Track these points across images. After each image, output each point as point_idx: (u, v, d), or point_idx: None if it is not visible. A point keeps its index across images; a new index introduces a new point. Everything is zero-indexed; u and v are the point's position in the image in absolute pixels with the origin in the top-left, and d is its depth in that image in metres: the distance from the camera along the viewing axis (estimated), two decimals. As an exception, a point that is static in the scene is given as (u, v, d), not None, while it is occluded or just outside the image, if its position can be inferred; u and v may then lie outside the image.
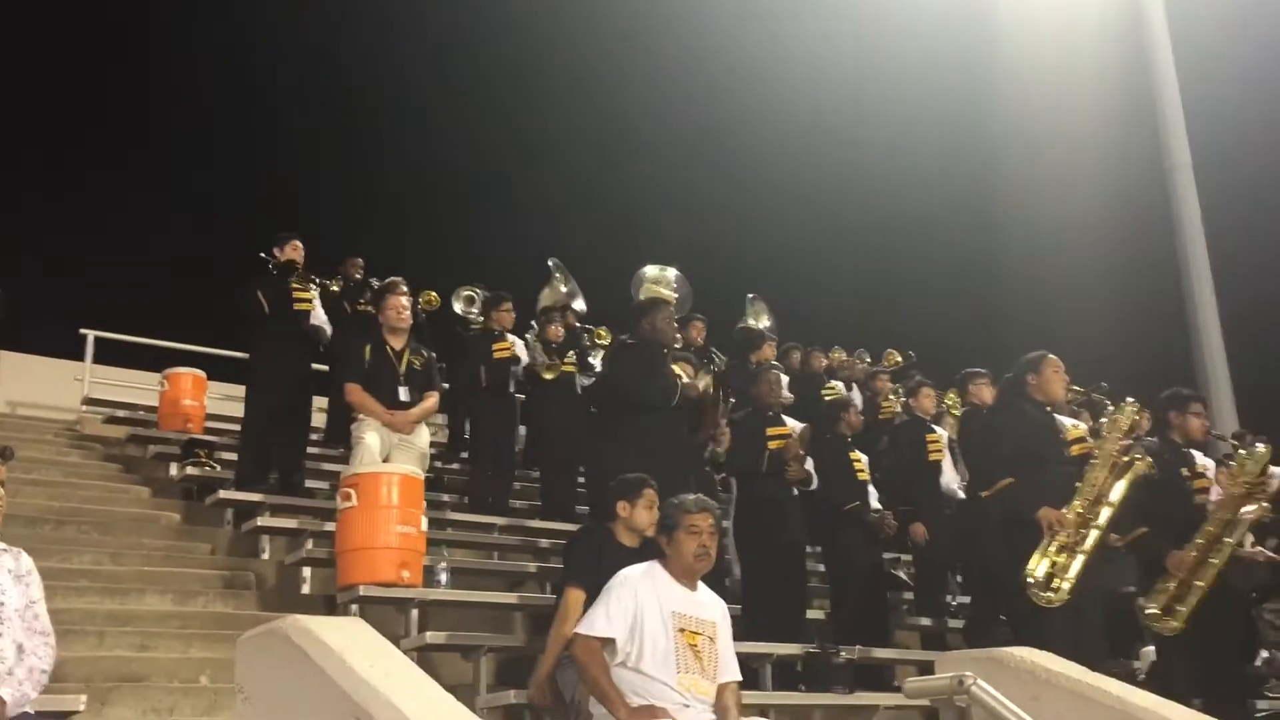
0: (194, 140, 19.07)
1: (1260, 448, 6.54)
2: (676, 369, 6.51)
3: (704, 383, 6.76)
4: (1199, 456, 6.52)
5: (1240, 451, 6.88)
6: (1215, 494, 6.32)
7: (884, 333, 13.33)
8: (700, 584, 4.62)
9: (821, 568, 7.94)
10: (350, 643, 3.00)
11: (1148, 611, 5.95)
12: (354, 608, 5.87)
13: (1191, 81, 14.01)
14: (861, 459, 7.73)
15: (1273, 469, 7.54)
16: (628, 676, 4.34)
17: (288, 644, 3.05)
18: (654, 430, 6.22)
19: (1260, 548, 7.46)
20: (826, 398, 9.41)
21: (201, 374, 9.95)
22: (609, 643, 4.37)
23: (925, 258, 21.30)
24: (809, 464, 7.18)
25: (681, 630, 4.42)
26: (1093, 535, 5.49)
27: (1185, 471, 6.27)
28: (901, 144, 20.76)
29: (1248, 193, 17.60)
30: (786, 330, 10.86)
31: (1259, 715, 7.01)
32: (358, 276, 9.91)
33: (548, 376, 8.95)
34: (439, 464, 9.23)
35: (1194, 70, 14.22)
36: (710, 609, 4.59)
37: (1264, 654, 7.89)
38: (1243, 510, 6.06)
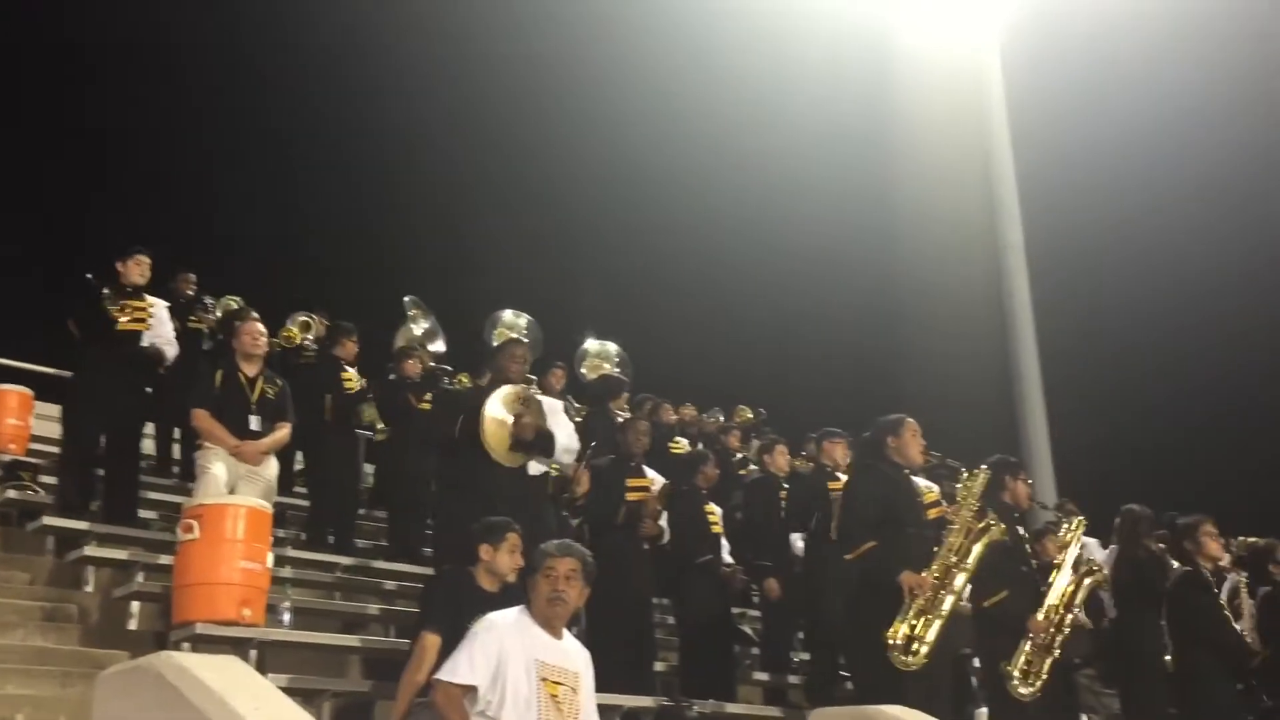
0: (22, 145, 18.09)
1: (1079, 520, 6.88)
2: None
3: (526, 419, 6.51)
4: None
5: (1064, 524, 7.21)
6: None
7: (732, 389, 13.60)
8: (565, 633, 4.57)
9: (670, 619, 7.95)
10: (232, 683, 2.82)
11: (1013, 676, 6.12)
12: (185, 646, 5.56)
13: (1027, 166, 14.84)
14: (716, 512, 7.80)
15: (1085, 539, 7.96)
16: (487, 726, 4.24)
17: (160, 683, 2.85)
18: (492, 475, 6.09)
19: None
20: (673, 451, 9.49)
21: (28, 392, 9.33)
22: (470, 690, 4.27)
23: (770, 320, 21.87)
24: (663, 519, 7.18)
25: (544, 679, 4.35)
26: (949, 600, 5.64)
27: (1026, 534, 6.54)
28: (748, 210, 21.32)
29: (1076, 273, 18.71)
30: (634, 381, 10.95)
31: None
32: (189, 293, 9.53)
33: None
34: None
35: (1030, 154, 15.07)
36: (574, 658, 4.53)
37: (1083, 717, 8.27)
38: (1086, 579, 6.35)
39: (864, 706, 4.07)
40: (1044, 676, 6.07)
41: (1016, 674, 6.05)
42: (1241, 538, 8.32)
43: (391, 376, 9.05)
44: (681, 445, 9.95)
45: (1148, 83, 17.54)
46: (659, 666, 7.37)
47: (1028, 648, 6.11)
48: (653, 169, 21.07)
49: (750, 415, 11.52)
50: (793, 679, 8.08)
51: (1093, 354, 19.83)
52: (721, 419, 11.05)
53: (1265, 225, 19.85)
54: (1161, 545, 7.21)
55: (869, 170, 19.07)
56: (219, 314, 9.33)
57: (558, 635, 4.51)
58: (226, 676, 2.91)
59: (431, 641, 4.83)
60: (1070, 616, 6.27)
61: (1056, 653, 6.14)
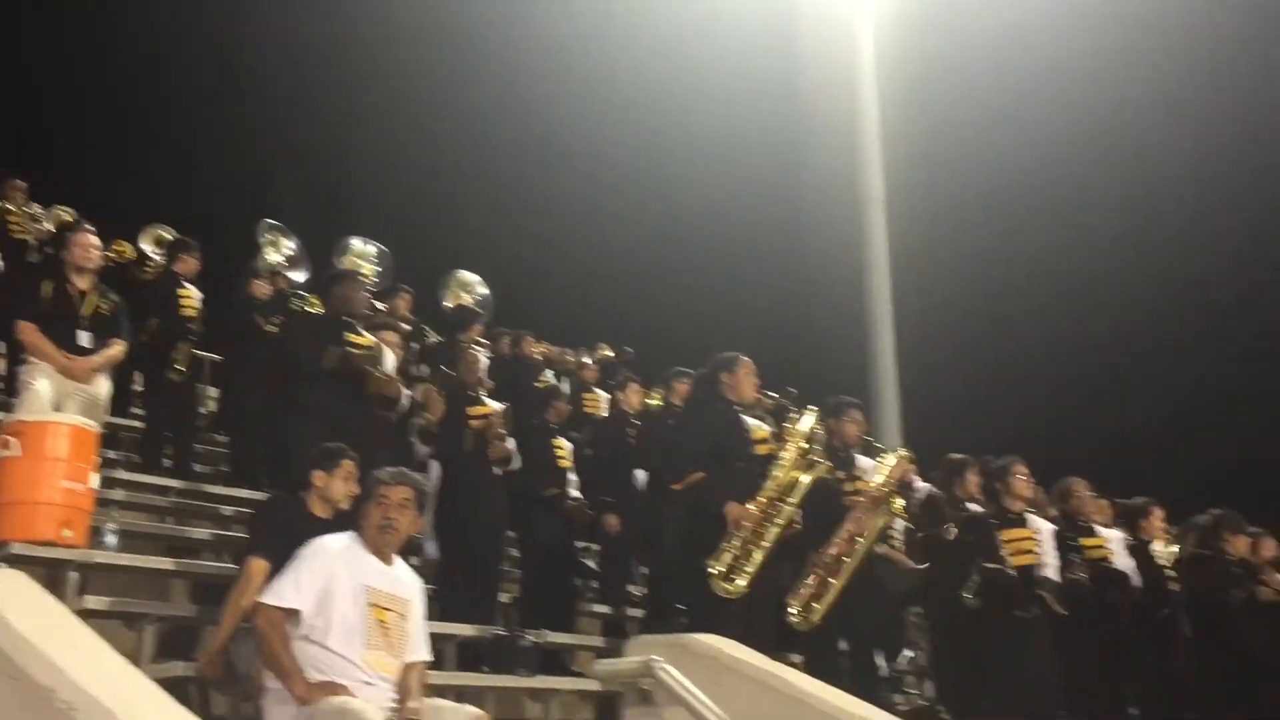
0: None
1: (898, 454, 7.10)
2: (372, 338, 6.31)
3: (374, 350, 6.49)
4: (860, 459, 7.00)
5: (878, 458, 7.43)
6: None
7: (597, 325, 13.64)
8: (397, 560, 4.55)
9: (515, 551, 7.99)
10: (7, 596, 2.68)
11: (790, 609, 6.35)
12: (2, 566, 5.35)
13: (890, 122, 15.09)
14: (565, 446, 7.84)
15: (920, 483, 8.27)
16: (310, 651, 4.21)
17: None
18: (334, 400, 6.03)
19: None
20: (538, 386, 9.51)
21: None
22: (293, 614, 4.22)
23: (634, 256, 21.94)
24: (510, 443, 7.19)
25: (372, 605, 4.33)
26: (772, 532, 5.79)
27: (842, 474, 6.73)
28: (625, 153, 21.25)
29: (932, 228, 19.20)
30: (499, 316, 10.91)
31: (898, 708, 7.66)
32: (17, 200, 9.06)
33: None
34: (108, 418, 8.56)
35: (893, 110, 15.33)
36: (406, 586, 4.52)
37: (907, 653, 8.62)
38: (877, 514, 6.56)
39: (680, 635, 4.12)
40: (822, 608, 6.27)
41: (795, 608, 6.27)
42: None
43: (240, 297, 8.77)
44: (546, 380, 9.98)
45: (1017, 40, 17.97)
46: (504, 597, 7.44)
47: (811, 583, 6.32)
48: (534, 111, 20.84)
49: (610, 353, 11.57)
50: (633, 612, 8.22)
51: (947, 309, 20.45)
52: (586, 359, 11.06)
53: (1126, 182, 20.72)
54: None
55: (737, 119, 19.17)
56: (49, 225, 8.90)
57: (388, 562, 4.49)
58: (2, 588, 2.77)
59: (259, 567, 4.75)
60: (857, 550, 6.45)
61: (836, 581, 6.33)
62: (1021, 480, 7.00)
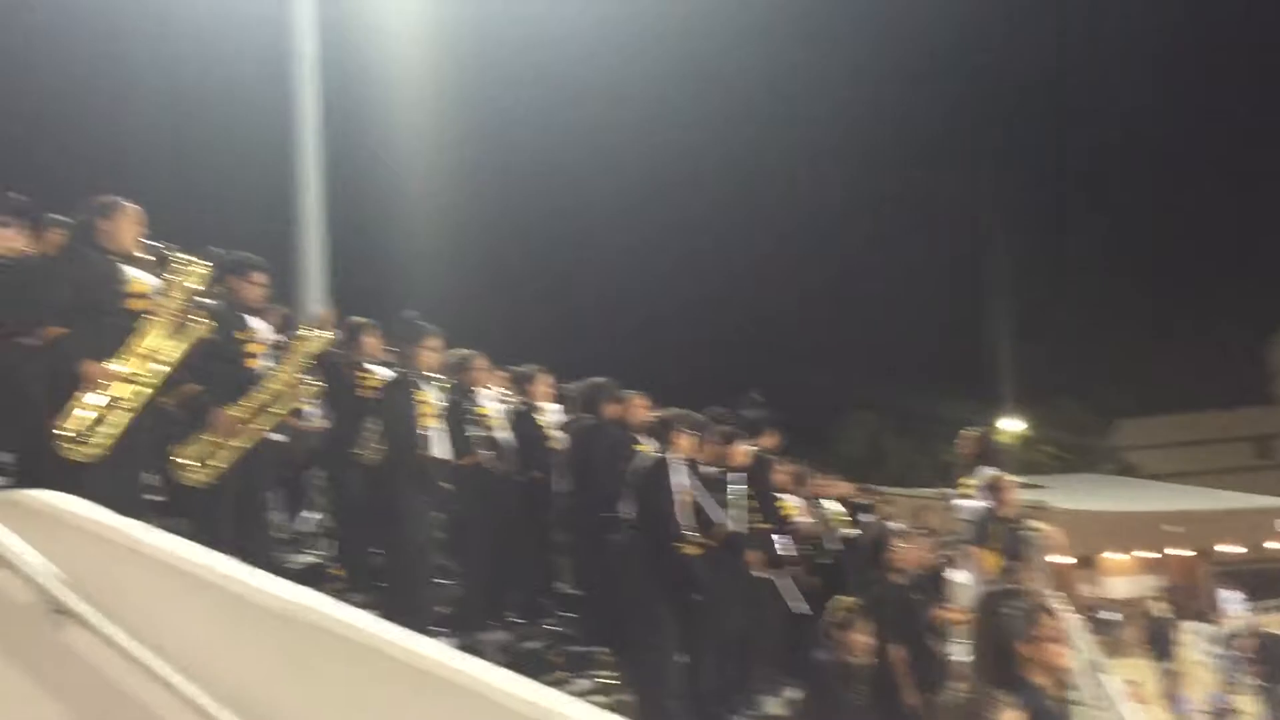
0: None
1: (320, 334, 7.01)
2: None
3: None
4: (253, 321, 6.79)
5: (301, 332, 7.27)
6: (264, 361, 6.62)
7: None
8: None
9: None
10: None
11: (184, 467, 6.07)
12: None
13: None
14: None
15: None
16: None
17: None
18: None
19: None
20: None
21: None
22: None
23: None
24: None
25: None
26: (146, 393, 5.40)
27: (239, 335, 6.49)
28: None
29: (369, 85, 18.90)
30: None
31: (289, 568, 7.68)
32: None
33: None
34: None
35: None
36: None
37: (311, 515, 8.60)
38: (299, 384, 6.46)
39: (14, 492, 3.63)
40: (217, 470, 6.14)
41: (189, 465, 6.06)
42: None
43: None
44: None
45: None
46: None
47: (208, 439, 6.13)
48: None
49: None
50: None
51: (382, 172, 20.37)
52: None
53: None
54: None
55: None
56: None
57: None
58: None
59: None
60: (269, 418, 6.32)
61: (238, 443, 6.20)
62: (373, 337, 7.13)
